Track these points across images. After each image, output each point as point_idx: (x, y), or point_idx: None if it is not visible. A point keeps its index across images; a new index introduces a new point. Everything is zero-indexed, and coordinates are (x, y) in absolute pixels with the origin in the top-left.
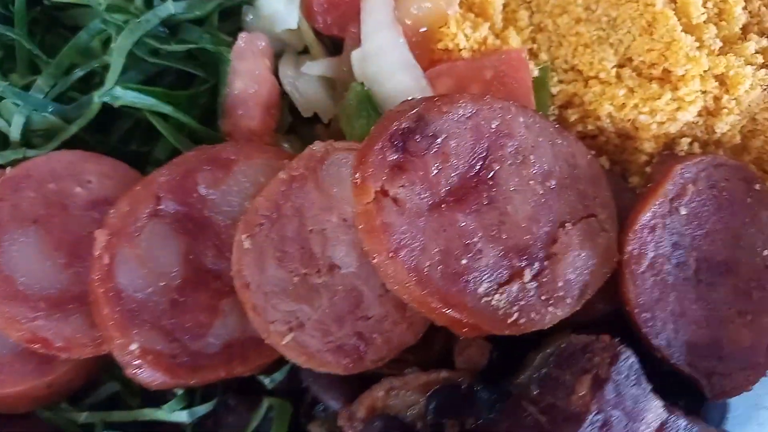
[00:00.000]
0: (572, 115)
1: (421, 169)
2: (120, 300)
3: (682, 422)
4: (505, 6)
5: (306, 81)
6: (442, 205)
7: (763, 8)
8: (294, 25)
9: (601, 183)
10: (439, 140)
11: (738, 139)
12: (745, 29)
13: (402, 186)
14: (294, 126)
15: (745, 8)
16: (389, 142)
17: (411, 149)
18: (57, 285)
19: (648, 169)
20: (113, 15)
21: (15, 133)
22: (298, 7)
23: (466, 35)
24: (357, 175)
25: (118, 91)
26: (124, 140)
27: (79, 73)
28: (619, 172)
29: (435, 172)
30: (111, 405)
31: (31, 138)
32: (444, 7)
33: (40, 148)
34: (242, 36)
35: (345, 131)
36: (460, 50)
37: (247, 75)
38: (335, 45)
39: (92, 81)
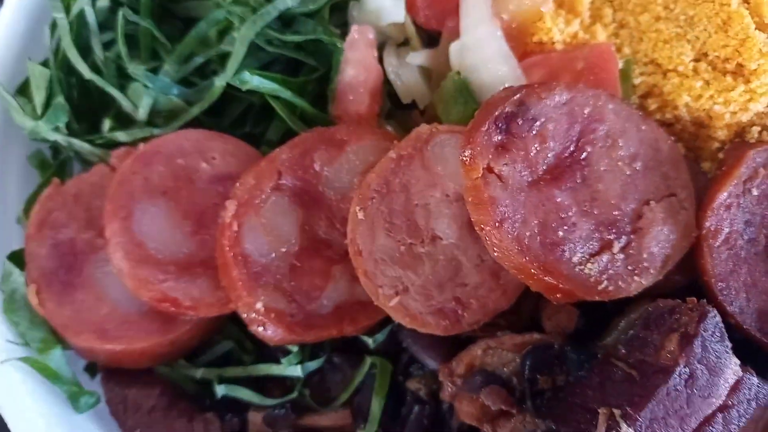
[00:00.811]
0: (652, 105)
1: (522, 149)
2: (247, 263)
3: (755, 380)
4: (591, 3)
5: (407, 70)
6: (541, 182)
7: None
8: (401, 19)
9: (680, 166)
10: (538, 123)
11: None
12: None
13: (506, 164)
14: (392, 112)
15: None
16: (494, 125)
17: (513, 131)
18: (184, 250)
19: (720, 155)
20: (234, 7)
21: (143, 112)
22: (401, 2)
23: (559, 29)
24: (466, 153)
25: (246, 75)
26: (237, 123)
27: (199, 60)
28: (693, 158)
29: (534, 152)
30: (225, 362)
31: (154, 118)
32: (539, 3)
33: (163, 127)
34: (355, 28)
35: (441, 117)
36: (554, 43)
37: (358, 63)
38: (430, 38)
39: (207, 68)
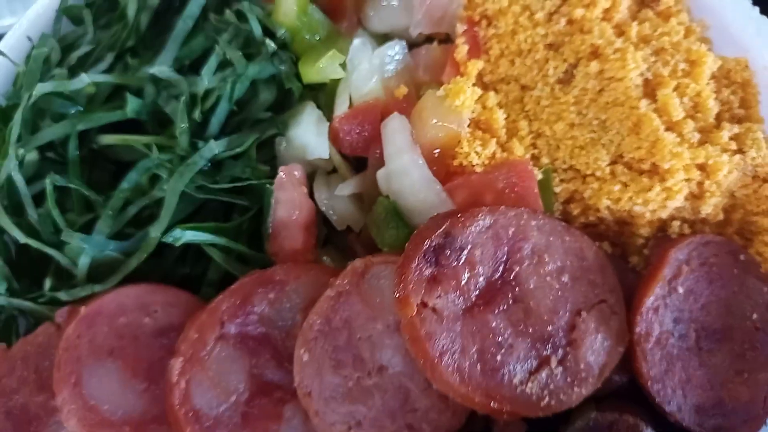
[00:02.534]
0: (575, 209)
1: (453, 278)
2: (198, 419)
3: None
4: (506, 117)
5: (338, 200)
6: (474, 308)
7: (731, 96)
8: (326, 155)
9: (607, 271)
10: (465, 251)
11: (721, 215)
12: (718, 117)
13: (439, 296)
14: (329, 237)
15: (716, 98)
16: (423, 259)
17: (443, 262)
18: (137, 409)
19: (645, 251)
20: (162, 155)
21: (82, 272)
22: (326, 137)
23: (477, 153)
24: (399, 292)
25: (178, 232)
26: (176, 264)
27: (133, 210)
28: (620, 254)
29: (465, 279)
30: None
31: (95, 272)
32: (456, 128)
33: (105, 281)
34: (282, 169)
35: (376, 239)
36: (473, 165)
37: (288, 203)
38: (359, 161)
39: (142, 214)
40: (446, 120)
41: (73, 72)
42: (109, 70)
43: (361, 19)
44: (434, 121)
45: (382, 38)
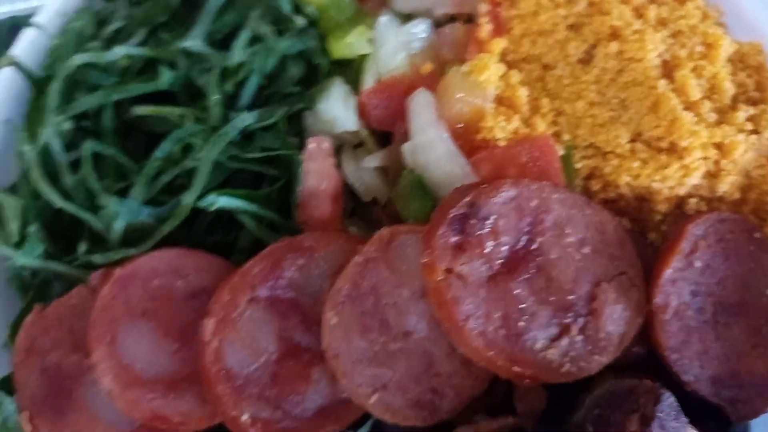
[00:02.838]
0: (595, 185)
1: (478, 246)
2: (230, 378)
3: None
4: (529, 95)
5: (365, 172)
6: (498, 276)
7: (747, 79)
8: (354, 127)
9: (626, 245)
10: (490, 221)
11: (737, 194)
12: (734, 99)
13: (464, 263)
14: (355, 209)
15: (732, 80)
16: (449, 227)
17: (468, 231)
18: (169, 368)
19: (664, 227)
20: (195, 126)
21: (116, 236)
22: (353, 112)
23: (501, 127)
24: (426, 258)
25: (212, 197)
26: (208, 231)
27: (166, 178)
28: (639, 230)
29: (489, 248)
30: None
31: (128, 237)
32: (481, 103)
33: (139, 246)
34: (311, 140)
35: (401, 212)
36: (497, 140)
37: (317, 173)
38: (384, 136)
39: (175, 183)
40: (471, 95)
41: (107, 45)
42: (142, 44)
43: None
44: (460, 95)
45: (406, 18)
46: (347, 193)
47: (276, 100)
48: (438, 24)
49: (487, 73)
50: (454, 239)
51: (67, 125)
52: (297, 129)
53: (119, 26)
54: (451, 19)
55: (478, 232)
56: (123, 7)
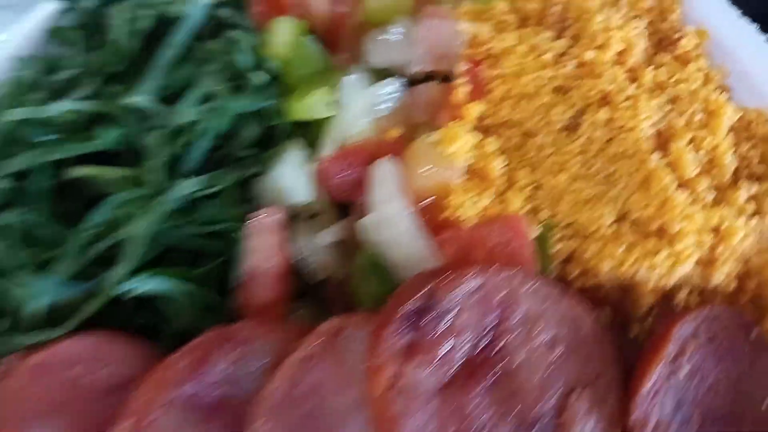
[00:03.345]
0: (573, 271)
1: (434, 348)
2: None
3: None
4: (506, 165)
5: (318, 248)
6: (454, 384)
7: (751, 151)
8: (307, 199)
9: (605, 344)
10: (449, 317)
11: (734, 284)
12: (736, 173)
13: (415, 368)
14: (307, 287)
15: (734, 152)
16: (400, 325)
17: (422, 329)
18: None
19: (649, 321)
20: (132, 193)
21: (34, 316)
22: (310, 180)
23: (469, 205)
24: (370, 361)
25: (137, 281)
26: (138, 308)
27: (96, 250)
28: (621, 322)
29: (447, 349)
30: None
31: (48, 316)
32: (449, 177)
33: (62, 326)
34: (255, 215)
35: (356, 295)
36: (465, 219)
37: (261, 252)
38: (345, 206)
39: (111, 252)
40: (438, 168)
41: (55, 96)
42: (94, 96)
43: (360, 52)
44: (425, 169)
45: (381, 73)
46: (298, 270)
47: (228, 163)
48: (413, 82)
49: (457, 144)
50: (405, 339)
51: (3, 184)
52: (249, 196)
53: (72, 74)
54: (429, 77)
55: (435, 331)
56: (79, 53)
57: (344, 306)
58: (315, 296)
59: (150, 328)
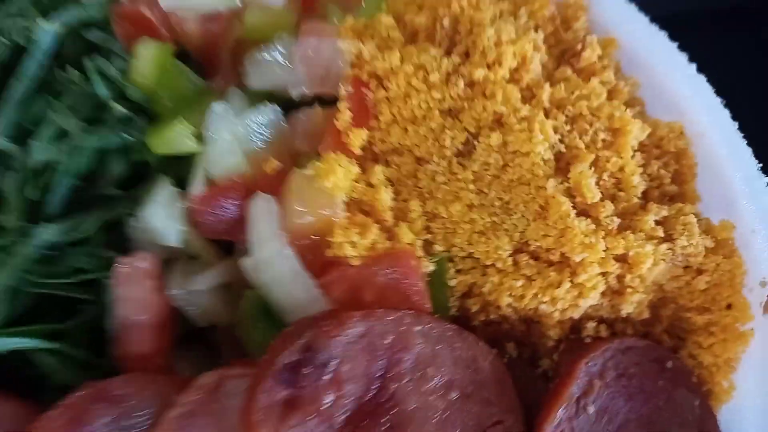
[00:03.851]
0: (474, 305)
1: (314, 401)
2: None
3: None
4: (397, 196)
5: (198, 293)
6: None
7: (662, 170)
8: (177, 243)
9: (505, 385)
10: (330, 367)
11: (646, 313)
12: (646, 194)
13: (295, 426)
14: (192, 334)
15: (644, 172)
16: (277, 380)
17: (301, 382)
18: None
19: (555, 357)
20: None
21: None
22: (180, 221)
23: (352, 243)
24: (245, 421)
25: None
26: (16, 364)
27: None
28: (529, 355)
29: (330, 402)
30: None
31: None
32: (328, 213)
33: None
34: (122, 261)
35: (244, 340)
36: (350, 258)
37: (131, 301)
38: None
39: None
40: (316, 205)
41: None
42: None
43: (238, 75)
44: (300, 207)
45: (262, 97)
46: (177, 319)
47: (94, 204)
48: (299, 105)
49: (336, 178)
50: (282, 394)
51: None
52: (121, 239)
53: None
54: (318, 99)
55: (315, 383)
56: None
57: (234, 351)
58: (204, 341)
59: (35, 381)
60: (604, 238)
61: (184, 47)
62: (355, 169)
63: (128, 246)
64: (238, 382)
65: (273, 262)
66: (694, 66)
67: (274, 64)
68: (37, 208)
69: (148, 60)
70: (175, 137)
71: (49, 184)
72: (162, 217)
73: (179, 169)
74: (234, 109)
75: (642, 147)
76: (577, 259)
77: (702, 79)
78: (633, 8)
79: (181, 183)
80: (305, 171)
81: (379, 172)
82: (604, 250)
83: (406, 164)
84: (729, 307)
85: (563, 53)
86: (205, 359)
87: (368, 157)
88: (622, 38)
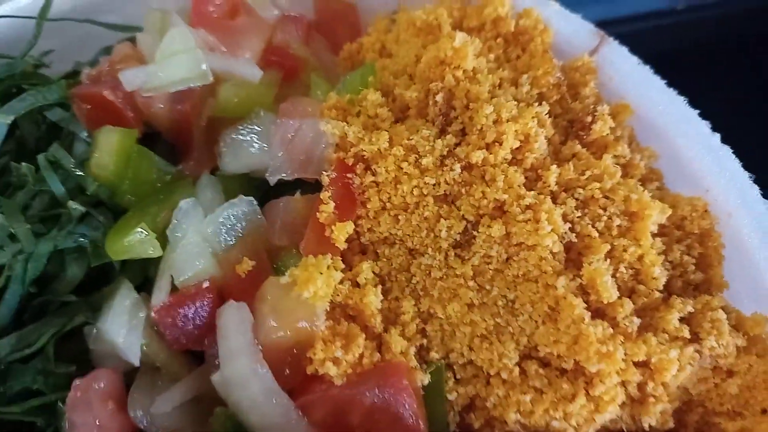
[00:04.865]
0: (476, 421)
1: None
2: None
3: None
4: (386, 293)
5: (163, 414)
6: None
7: (686, 256)
8: (135, 361)
9: None
10: None
11: (671, 423)
12: (668, 286)
13: None
14: None
15: (665, 260)
16: None
17: None
18: None
19: None
20: None
21: None
22: (143, 335)
23: (335, 360)
24: None
25: None
26: None
27: None
28: None
29: None
30: None
31: None
32: (307, 327)
33: None
34: (76, 385)
35: None
36: (334, 375)
37: (87, 428)
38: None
39: None
40: (292, 318)
41: None
42: None
43: (213, 157)
44: (274, 322)
45: (238, 180)
46: None
47: (49, 312)
48: (276, 192)
49: (315, 288)
50: None
51: None
52: (81, 348)
53: None
54: (295, 183)
55: None
56: None
57: None
58: None
59: None
60: (622, 343)
61: (154, 129)
62: (339, 274)
63: (86, 358)
64: None
65: (245, 380)
66: (718, 136)
67: (251, 145)
68: None
69: (108, 150)
70: (134, 244)
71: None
72: (123, 330)
73: (145, 270)
74: (205, 202)
75: (662, 229)
76: (593, 369)
77: (727, 149)
78: (647, 70)
79: (146, 284)
80: (281, 279)
81: (367, 270)
82: (623, 358)
83: (397, 257)
84: (764, 412)
85: (571, 124)
86: None
87: (355, 250)
88: (636, 103)
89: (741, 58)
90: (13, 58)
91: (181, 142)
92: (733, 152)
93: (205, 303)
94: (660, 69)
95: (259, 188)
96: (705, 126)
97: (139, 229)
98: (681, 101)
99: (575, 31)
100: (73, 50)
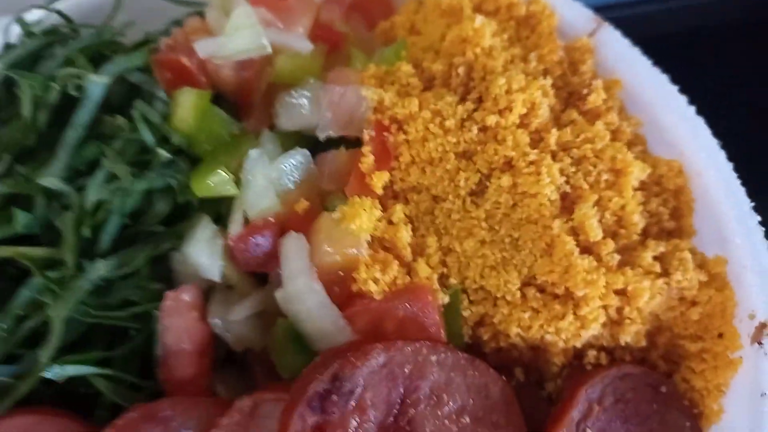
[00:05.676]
0: (485, 334)
1: (341, 426)
2: None
3: None
4: (415, 232)
5: (236, 321)
6: None
7: (661, 207)
8: (218, 278)
9: (512, 410)
10: (355, 395)
11: (644, 341)
12: (645, 231)
13: None
14: (232, 356)
15: (644, 210)
16: (307, 406)
17: (329, 409)
18: None
19: (559, 382)
20: (51, 272)
21: None
22: (221, 258)
23: (375, 279)
24: None
25: (57, 369)
26: (70, 384)
27: (25, 328)
28: (536, 379)
29: (354, 427)
30: None
31: None
32: (353, 252)
33: None
34: (168, 295)
35: (277, 365)
36: (374, 292)
37: (176, 330)
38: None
39: (37, 330)
40: (342, 245)
41: None
42: (6, 174)
43: (270, 117)
44: (328, 247)
45: (292, 136)
46: (217, 344)
47: (141, 239)
48: (326, 145)
49: (360, 221)
50: (312, 420)
51: None
52: (165, 271)
53: None
54: (342, 140)
55: (342, 410)
56: None
57: (267, 373)
58: (240, 364)
59: (87, 399)
60: (605, 274)
61: (220, 91)
62: (378, 212)
63: (171, 277)
64: (273, 406)
65: (303, 295)
66: (693, 108)
67: (303, 107)
68: (91, 245)
69: (187, 107)
70: (216, 183)
71: (101, 223)
72: (204, 253)
73: (218, 207)
74: (267, 152)
75: (642, 185)
76: (580, 293)
77: (701, 120)
78: (637, 51)
79: (220, 219)
80: (332, 214)
81: (399, 211)
82: (605, 285)
83: (423, 202)
84: (720, 336)
85: (570, 95)
86: (240, 380)
87: (389, 195)
88: (626, 79)
89: (720, 43)
90: (97, 28)
91: (243, 103)
92: (707, 122)
93: (271, 234)
94: (648, 50)
95: (309, 143)
96: (683, 99)
97: (221, 172)
98: (664, 78)
99: (576, 17)
100: (141, 22)
